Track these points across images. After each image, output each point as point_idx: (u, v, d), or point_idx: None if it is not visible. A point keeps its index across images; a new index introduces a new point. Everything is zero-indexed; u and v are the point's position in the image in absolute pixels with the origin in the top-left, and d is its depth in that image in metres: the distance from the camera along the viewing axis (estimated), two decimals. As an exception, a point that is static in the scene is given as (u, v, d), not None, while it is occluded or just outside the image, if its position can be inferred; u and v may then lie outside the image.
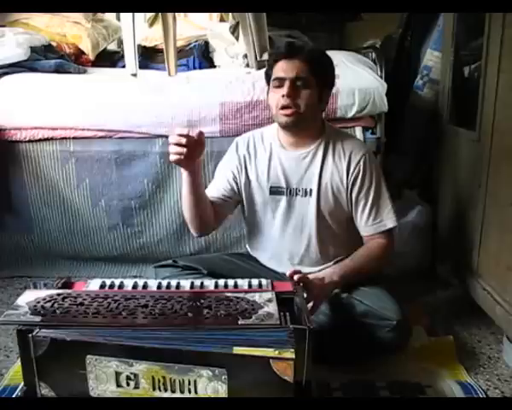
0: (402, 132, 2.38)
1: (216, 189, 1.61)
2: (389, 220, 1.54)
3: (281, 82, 1.45)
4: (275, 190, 1.57)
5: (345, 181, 1.53)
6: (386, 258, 1.57)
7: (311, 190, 1.54)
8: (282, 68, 1.45)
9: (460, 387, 1.42)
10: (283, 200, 1.57)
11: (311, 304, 1.37)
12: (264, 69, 1.59)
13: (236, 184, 1.61)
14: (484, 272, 1.72)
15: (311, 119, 1.51)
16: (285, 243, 1.60)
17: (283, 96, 1.44)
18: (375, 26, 2.82)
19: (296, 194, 1.56)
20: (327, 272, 1.48)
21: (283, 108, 1.45)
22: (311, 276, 1.42)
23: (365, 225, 1.54)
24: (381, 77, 2.06)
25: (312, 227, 1.55)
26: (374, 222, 1.54)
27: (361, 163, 1.52)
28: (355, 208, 1.55)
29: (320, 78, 1.47)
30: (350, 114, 1.99)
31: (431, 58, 2.32)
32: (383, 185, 1.55)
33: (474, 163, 1.82)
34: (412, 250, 2.12)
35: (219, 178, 1.64)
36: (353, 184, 1.53)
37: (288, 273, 1.34)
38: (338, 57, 2.12)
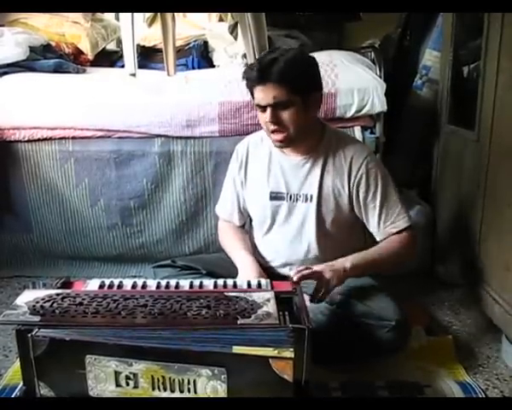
0: (401, 132, 2.38)
1: (230, 203, 1.67)
2: (401, 221, 1.49)
3: (262, 108, 1.42)
4: (275, 196, 1.56)
5: (346, 186, 1.50)
6: (407, 254, 1.52)
7: (311, 196, 1.52)
8: (259, 95, 1.40)
9: (459, 387, 1.42)
10: (284, 205, 1.55)
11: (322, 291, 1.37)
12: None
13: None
14: (483, 272, 1.72)
15: (305, 131, 1.46)
16: (285, 249, 1.58)
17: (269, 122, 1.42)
18: (374, 25, 2.81)
19: (297, 200, 1.54)
20: (339, 260, 1.43)
21: (273, 132, 1.44)
22: (319, 267, 1.38)
23: (377, 229, 1.51)
24: (379, 77, 2.06)
25: (312, 233, 1.53)
26: (385, 225, 1.50)
27: (363, 166, 1.48)
28: (365, 214, 1.52)
29: (302, 91, 1.39)
30: (349, 114, 2.00)
31: (430, 58, 2.32)
32: (391, 186, 1.51)
33: (473, 163, 1.82)
34: (411, 250, 2.12)
35: (229, 192, 1.68)
36: (358, 189, 1.49)
37: (294, 278, 1.30)
38: (337, 57, 2.12)
